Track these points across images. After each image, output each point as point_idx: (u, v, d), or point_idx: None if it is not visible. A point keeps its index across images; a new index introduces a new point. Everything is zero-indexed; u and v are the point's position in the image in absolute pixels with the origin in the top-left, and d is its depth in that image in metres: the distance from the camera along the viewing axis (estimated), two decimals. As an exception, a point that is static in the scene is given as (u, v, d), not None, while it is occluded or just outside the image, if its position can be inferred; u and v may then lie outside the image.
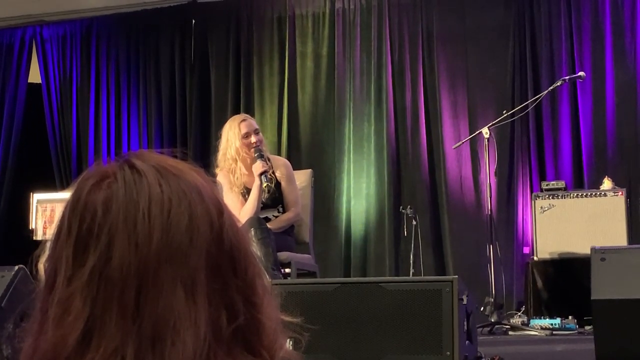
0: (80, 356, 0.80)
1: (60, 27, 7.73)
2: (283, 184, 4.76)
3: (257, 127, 4.73)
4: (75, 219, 0.84)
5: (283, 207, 4.79)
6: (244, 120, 4.72)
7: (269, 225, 4.58)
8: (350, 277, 6.40)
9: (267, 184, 4.57)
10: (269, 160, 4.72)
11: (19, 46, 7.76)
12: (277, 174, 4.75)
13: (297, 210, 4.79)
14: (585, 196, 5.47)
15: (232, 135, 4.65)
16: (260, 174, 4.55)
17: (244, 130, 4.63)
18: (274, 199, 4.74)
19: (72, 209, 0.85)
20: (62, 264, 0.83)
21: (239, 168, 4.67)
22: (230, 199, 4.58)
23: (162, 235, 0.82)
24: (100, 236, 0.82)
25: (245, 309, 0.85)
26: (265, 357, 0.86)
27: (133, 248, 0.81)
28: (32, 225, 6.36)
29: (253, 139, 4.63)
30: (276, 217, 4.75)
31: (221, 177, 4.69)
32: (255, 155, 4.60)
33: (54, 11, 7.65)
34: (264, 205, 4.70)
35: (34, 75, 7.78)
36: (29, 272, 3.17)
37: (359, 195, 6.74)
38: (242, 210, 4.59)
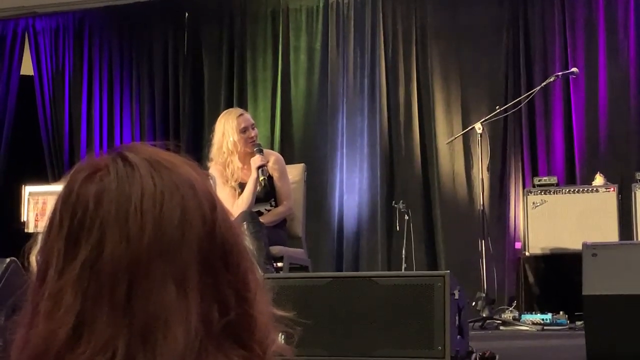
0: (71, 350, 0.79)
1: (53, 19, 7.70)
2: (275, 177, 4.77)
3: (253, 121, 4.78)
4: (67, 212, 0.84)
5: (275, 200, 4.79)
6: (242, 114, 4.73)
7: (261, 219, 4.59)
8: (342, 271, 6.40)
9: (264, 178, 4.58)
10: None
11: (11, 38, 7.73)
12: (269, 165, 4.74)
13: (290, 204, 4.81)
14: (577, 192, 5.48)
15: (229, 129, 4.64)
16: (258, 167, 4.56)
17: (242, 125, 4.64)
18: (267, 192, 4.74)
19: (64, 201, 0.85)
20: (54, 257, 0.83)
21: (235, 162, 4.66)
22: (224, 193, 4.58)
23: (154, 230, 0.81)
24: (91, 230, 0.82)
25: (237, 303, 0.85)
26: (256, 352, 0.86)
27: (125, 242, 0.81)
28: (24, 218, 6.33)
29: (252, 133, 4.65)
30: (268, 210, 4.76)
31: (214, 170, 4.68)
32: (255, 149, 4.62)
33: (46, 3, 7.62)
34: (256, 199, 4.71)
35: (27, 68, 7.75)
36: (20, 265, 3.16)
37: (352, 190, 6.74)
38: (236, 203, 4.60)
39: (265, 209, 4.76)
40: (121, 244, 0.81)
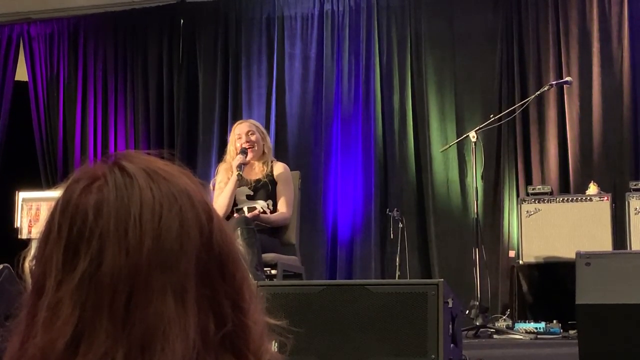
0: None
1: (48, 25, 7.69)
2: (279, 184, 4.92)
3: (250, 129, 5.02)
4: (65, 222, 0.83)
5: (274, 204, 4.89)
6: (240, 123, 5.14)
7: (263, 216, 4.74)
8: (335, 279, 6.39)
9: (239, 172, 4.84)
10: (270, 162, 5.00)
11: (6, 44, 7.72)
12: (275, 173, 4.96)
13: (288, 213, 4.90)
14: (571, 201, 5.50)
15: (231, 139, 5.08)
16: (237, 166, 4.85)
17: (236, 133, 5.02)
18: (267, 193, 4.89)
19: (62, 211, 0.84)
20: (52, 268, 0.83)
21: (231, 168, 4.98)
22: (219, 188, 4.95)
23: (153, 242, 0.81)
24: (91, 241, 0.81)
25: (233, 314, 0.85)
26: (251, 361, 0.86)
27: (124, 254, 0.81)
28: (17, 224, 6.32)
29: (243, 139, 4.95)
30: (263, 211, 4.84)
31: (221, 168, 5.06)
32: (240, 150, 4.94)
33: (41, 9, 7.62)
34: (253, 195, 4.88)
35: (21, 73, 7.74)
36: (13, 271, 3.14)
37: (346, 197, 6.74)
38: (215, 201, 4.80)
39: (262, 207, 4.87)
40: (121, 256, 0.81)
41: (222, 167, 5.04)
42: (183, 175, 0.88)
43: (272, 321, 0.91)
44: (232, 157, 4.94)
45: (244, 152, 4.90)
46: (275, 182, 4.92)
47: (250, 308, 0.87)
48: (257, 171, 4.94)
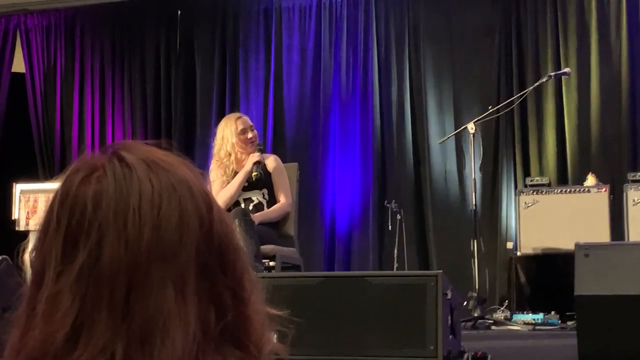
0: (68, 353, 0.79)
1: (45, 17, 7.67)
2: (273, 174, 4.91)
3: (252, 123, 4.97)
4: (64, 213, 0.83)
5: (269, 192, 4.88)
6: (239, 117, 4.97)
7: (259, 216, 4.66)
8: (334, 271, 6.40)
9: (257, 174, 4.76)
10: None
11: (3, 35, 7.70)
12: (267, 163, 4.92)
13: (288, 201, 4.91)
14: (569, 192, 5.50)
15: (228, 132, 4.86)
16: (255, 163, 4.77)
17: (240, 127, 4.86)
18: (262, 182, 4.86)
19: (61, 202, 0.84)
20: (51, 260, 0.82)
21: (232, 163, 4.85)
22: (216, 185, 4.82)
23: (153, 233, 0.81)
24: (90, 232, 0.81)
25: (234, 305, 0.85)
26: (253, 352, 0.85)
27: (123, 245, 0.80)
28: (15, 216, 6.31)
29: (250, 134, 4.85)
30: (260, 201, 4.83)
31: (214, 167, 4.91)
32: (256, 148, 4.86)
33: (38, 0, 7.59)
34: (248, 186, 4.84)
35: (18, 65, 7.72)
36: (12, 263, 3.14)
37: (344, 189, 6.74)
38: (223, 190, 4.78)
39: (257, 198, 4.84)
40: (120, 247, 0.80)
41: (215, 167, 4.90)
42: (182, 165, 0.87)
43: (273, 312, 0.91)
44: (231, 150, 4.81)
45: (260, 150, 4.87)
46: (268, 172, 4.90)
47: (250, 298, 0.87)
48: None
